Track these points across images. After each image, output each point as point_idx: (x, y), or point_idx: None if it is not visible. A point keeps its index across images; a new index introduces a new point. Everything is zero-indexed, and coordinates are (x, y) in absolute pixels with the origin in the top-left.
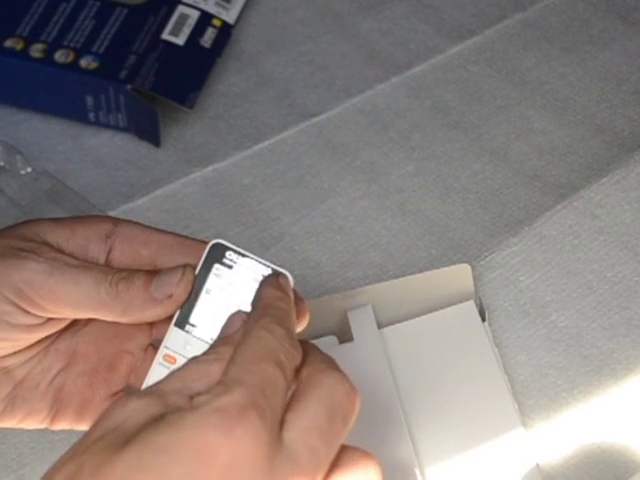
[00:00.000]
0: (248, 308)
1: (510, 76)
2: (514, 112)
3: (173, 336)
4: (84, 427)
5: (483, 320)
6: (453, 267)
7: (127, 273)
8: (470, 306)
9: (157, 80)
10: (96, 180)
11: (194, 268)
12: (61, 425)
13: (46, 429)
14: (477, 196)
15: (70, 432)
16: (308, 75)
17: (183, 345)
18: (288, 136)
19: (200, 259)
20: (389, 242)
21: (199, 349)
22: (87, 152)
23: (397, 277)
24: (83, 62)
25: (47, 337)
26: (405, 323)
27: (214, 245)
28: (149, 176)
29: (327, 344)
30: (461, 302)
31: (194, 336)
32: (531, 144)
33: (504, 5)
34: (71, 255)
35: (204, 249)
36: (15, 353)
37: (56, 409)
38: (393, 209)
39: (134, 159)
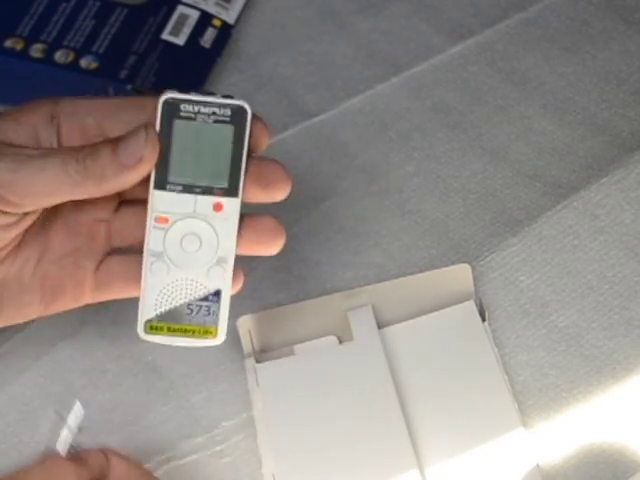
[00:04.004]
0: (224, 154)
1: (510, 76)
2: (514, 112)
3: (157, 198)
4: (83, 302)
5: (483, 320)
6: (453, 267)
7: (91, 147)
8: (470, 306)
9: (157, 80)
10: None
11: (154, 125)
12: (57, 309)
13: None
14: (477, 196)
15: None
16: (308, 75)
17: (170, 203)
18: (288, 136)
19: (156, 118)
20: (389, 242)
21: (187, 203)
22: None
23: (397, 277)
24: (83, 62)
25: (16, 235)
26: (405, 323)
27: (166, 101)
28: None
29: (327, 344)
30: (461, 302)
31: (179, 193)
32: (531, 144)
33: (504, 5)
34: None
35: (151, 102)
36: None
37: (49, 297)
38: (393, 209)
39: None
